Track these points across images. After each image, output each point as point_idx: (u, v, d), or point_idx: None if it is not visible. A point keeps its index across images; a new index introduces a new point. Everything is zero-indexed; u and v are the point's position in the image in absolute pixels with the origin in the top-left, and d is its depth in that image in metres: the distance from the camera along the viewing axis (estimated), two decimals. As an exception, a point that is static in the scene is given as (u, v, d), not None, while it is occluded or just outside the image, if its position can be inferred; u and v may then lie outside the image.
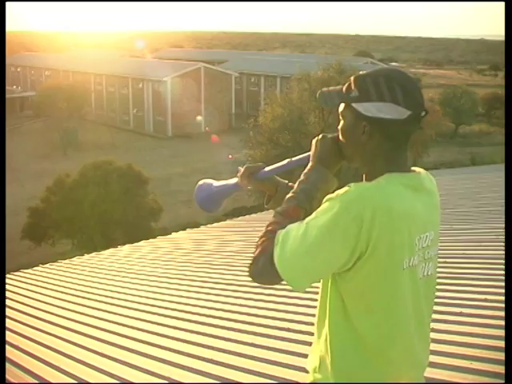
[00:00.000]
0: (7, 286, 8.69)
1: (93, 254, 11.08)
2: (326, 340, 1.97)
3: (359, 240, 1.78)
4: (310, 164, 2.07)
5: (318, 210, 1.86)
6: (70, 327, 6.06)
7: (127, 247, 11.27)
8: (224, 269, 7.71)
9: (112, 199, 22.31)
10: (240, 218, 14.08)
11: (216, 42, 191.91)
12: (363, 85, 1.92)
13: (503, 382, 2.73)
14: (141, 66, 62.14)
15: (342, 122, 2.01)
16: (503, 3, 3.98)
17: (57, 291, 7.96)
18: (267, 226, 1.95)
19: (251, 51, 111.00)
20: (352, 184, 1.84)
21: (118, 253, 10.72)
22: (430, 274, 1.99)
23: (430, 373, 3.62)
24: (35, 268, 10.24)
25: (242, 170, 2.33)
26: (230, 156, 35.35)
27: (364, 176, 2.00)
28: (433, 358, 3.80)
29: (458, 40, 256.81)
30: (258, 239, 1.94)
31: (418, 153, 36.39)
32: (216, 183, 2.43)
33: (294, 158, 2.24)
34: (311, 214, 1.90)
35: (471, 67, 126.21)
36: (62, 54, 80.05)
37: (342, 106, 1.99)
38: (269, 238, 1.90)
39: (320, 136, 2.09)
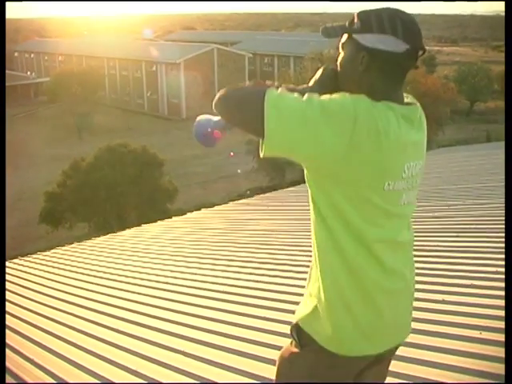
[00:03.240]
0: (24, 268, 8.83)
1: (109, 236, 11.18)
2: (314, 263, 2.06)
3: (349, 140, 1.81)
4: (310, 84, 2.12)
5: (328, 95, 1.89)
6: (87, 306, 6.15)
7: (146, 227, 11.36)
8: (246, 247, 7.75)
9: (127, 181, 22.40)
10: (255, 197, 14.08)
11: (229, 23, 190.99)
12: (366, 17, 1.96)
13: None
14: (154, 48, 62.05)
15: (341, 53, 2.05)
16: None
17: (76, 272, 8.05)
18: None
19: (264, 31, 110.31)
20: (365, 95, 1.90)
21: (140, 233, 10.81)
22: (411, 201, 2.06)
23: (441, 343, 3.68)
24: (53, 250, 10.36)
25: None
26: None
27: None
28: (443, 329, 3.87)
29: (473, 16, 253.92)
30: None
31: (432, 130, 36.20)
32: (216, 118, 2.43)
33: (298, 87, 2.18)
34: None
35: (486, 43, 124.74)
36: (75, 39, 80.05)
37: (343, 39, 2.04)
38: (266, 84, 1.93)
39: (325, 65, 2.15)
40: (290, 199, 11.37)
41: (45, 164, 37.13)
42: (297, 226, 8.28)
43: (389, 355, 2.21)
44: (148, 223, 12.07)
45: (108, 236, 11.18)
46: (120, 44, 68.22)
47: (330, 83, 2.06)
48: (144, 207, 22.94)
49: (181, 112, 55.14)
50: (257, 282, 5.82)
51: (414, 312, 2.25)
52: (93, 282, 7.27)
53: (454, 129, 40.33)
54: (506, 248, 3.88)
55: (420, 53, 1.95)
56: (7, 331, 5.52)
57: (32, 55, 77.83)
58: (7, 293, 7.30)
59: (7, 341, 5.26)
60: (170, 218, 12.54)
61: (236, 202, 13.72)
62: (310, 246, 2.10)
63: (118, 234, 11.33)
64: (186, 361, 4.23)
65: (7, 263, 9.53)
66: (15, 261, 9.76)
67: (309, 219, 2.07)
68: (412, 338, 2.74)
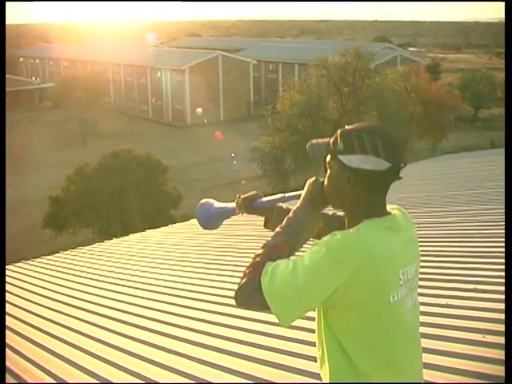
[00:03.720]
0: (28, 272, 8.84)
1: (114, 241, 11.20)
2: (326, 373, 2.13)
3: (341, 280, 1.94)
4: (299, 202, 2.25)
5: (306, 252, 2.01)
6: (92, 309, 6.16)
7: (150, 232, 11.38)
8: (251, 252, 7.74)
9: (131, 187, 22.43)
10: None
11: (234, 30, 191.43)
12: (348, 138, 2.09)
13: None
14: (159, 55, 62.24)
15: (328, 171, 2.18)
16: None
17: (79, 276, 8.07)
18: (255, 257, 2.10)
19: (269, 38, 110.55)
20: (337, 232, 2.02)
21: (144, 239, 10.82)
22: (415, 303, 2.17)
23: (444, 346, 3.68)
24: (56, 254, 10.38)
25: (239, 198, 2.54)
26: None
27: (346, 220, 2.18)
28: (447, 333, 3.87)
29: (477, 23, 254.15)
30: (245, 268, 2.08)
31: (436, 137, 36.26)
32: (216, 204, 2.64)
33: (287, 194, 2.46)
34: (297, 248, 2.14)
35: (490, 50, 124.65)
36: (80, 44, 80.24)
37: (329, 157, 2.16)
38: (257, 268, 2.05)
39: (313, 178, 2.27)
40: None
41: (49, 169, 37.20)
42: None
43: None
44: (152, 229, 12.10)
45: (112, 241, 11.20)
46: (125, 50, 68.44)
47: (319, 197, 2.22)
48: (148, 213, 22.97)
49: (185, 118, 55.25)
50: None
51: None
52: (98, 286, 7.29)
53: (458, 135, 40.37)
54: (505, 251, 3.86)
55: (402, 166, 2.08)
56: (10, 333, 5.53)
57: (37, 60, 78.12)
58: (10, 295, 7.31)
59: (9, 342, 5.28)
60: (174, 223, 12.56)
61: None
62: None
63: (124, 238, 11.36)
64: (190, 364, 4.24)
65: (10, 267, 9.54)
66: (19, 264, 9.77)
67: None
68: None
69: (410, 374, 2.13)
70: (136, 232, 12.21)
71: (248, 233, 9.13)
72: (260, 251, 2.12)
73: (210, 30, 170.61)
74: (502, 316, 3.76)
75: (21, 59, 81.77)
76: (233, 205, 2.57)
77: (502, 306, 4.00)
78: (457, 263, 5.45)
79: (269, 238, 2.14)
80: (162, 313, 5.59)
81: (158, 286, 6.68)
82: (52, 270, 8.87)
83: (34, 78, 71.45)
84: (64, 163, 33.14)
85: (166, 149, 38.85)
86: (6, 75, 63.96)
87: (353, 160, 2.06)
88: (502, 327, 3.65)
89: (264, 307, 2.01)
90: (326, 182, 2.20)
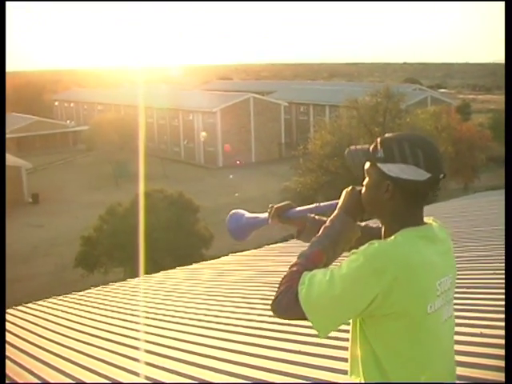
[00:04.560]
0: (59, 307, 8.87)
1: (146, 276, 11.22)
2: (361, 376, 2.10)
3: (379, 289, 1.93)
4: (336, 211, 2.24)
5: (344, 261, 2.00)
6: (124, 342, 6.15)
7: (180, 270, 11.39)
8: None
9: (163, 227, 22.52)
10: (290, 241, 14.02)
11: (265, 73, 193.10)
12: (388, 147, 2.09)
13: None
14: (191, 98, 62.96)
15: (367, 179, 2.18)
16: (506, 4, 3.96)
17: (110, 311, 8.08)
18: (291, 267, 2.10)
19: (299, 81, 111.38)
20: (375, 241, 2.01)
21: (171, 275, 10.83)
22: (451, 315, 2.15)
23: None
24: (88, 291, 10.42)
25: (272, 208, 2.54)
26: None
27: (383, 229, 2.17)
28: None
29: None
30: (282, 278, 2.08)
31: (468, 177, 36.00)
32: (248, 215, 2.63)
33: (321, 204, 2.43)
34: (334, 258, 2.15)
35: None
36: (114, 89, 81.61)
37: (367, 164, 2.15)
38: (294, 278, 2.05)
39: (350, 188, 2.26)
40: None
41: (82, 210, 37.58)
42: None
43: None
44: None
45: (143, 277, 11.21)
46: (158, 94, 69.33)
47: (356, 206, 2.21)
48: (179, 253, 22.99)
49: (217, 160, 55.59)
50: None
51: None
52: (128, 320, 7.29)
53: (489, 176, 40.01)
54: (505, 251, 3.79)
55: (441, 177, 2.08)
56: (41, 365, 5.53)
57: (71, 104, 79.57)
58: (40, 329, 7.34)
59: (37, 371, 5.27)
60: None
61: (271, 245, 13.72)
62: None
63: (171, 271, 11.42)
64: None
65: (41, 302, 9.60)
66: (50, 300, 9.82)
67: None
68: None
69: None
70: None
71: (279, 269, 9.09)
72: (296, 261, 2.11)
73: (241, 74, 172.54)
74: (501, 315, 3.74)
75: (56, 103, 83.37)
76: (265, 215, 2.55)
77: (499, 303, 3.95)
78: (488, 294, 5.39)
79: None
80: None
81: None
82: (81, 304, 8.91)
83: (68, 122, 72.71)
84: (96, 204, 33.48)
85: (197, 190, 39.04)
86: (41, 118, 65.28)
87: (393, 169, 2.06)
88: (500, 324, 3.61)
89: (301, 317, 2.00)
90: (363, 191, 2.19)
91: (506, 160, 4.45)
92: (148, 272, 12.98)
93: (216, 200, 39.56)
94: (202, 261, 15.57)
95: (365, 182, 2.18)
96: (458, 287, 2.11)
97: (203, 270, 11.06)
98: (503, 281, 5.63)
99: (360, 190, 2.21)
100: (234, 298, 7.56)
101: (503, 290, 5.31)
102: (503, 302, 4.91)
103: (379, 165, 2.08)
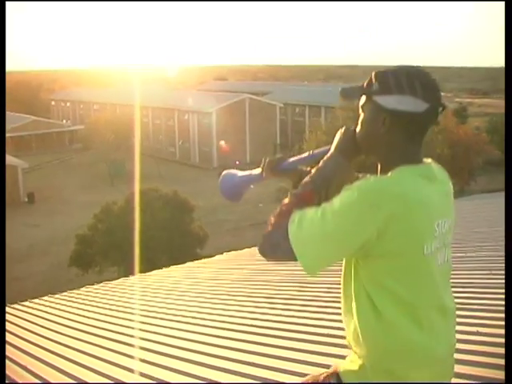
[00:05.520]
0: (53, 304, 8.86)
1: (142, 275, 11.21)
2: (354, 330, 2.03)
3: (374, 227, 1.85)
4: (329, 152, 2.14)
5: (337, 197, 1.91)
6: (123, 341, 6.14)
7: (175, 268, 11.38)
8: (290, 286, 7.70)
9: (158, 226, 22.49)
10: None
11: (260, 74, 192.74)
12: (384, 79, 2.00)
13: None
14: (186, 98, 62.92)
15: (362, 115, 2.09)
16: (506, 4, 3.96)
17: (105, 309, 8.07)
18: (281, 206, 2.02)
19: (295, 83, 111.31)
20: (369, 176, 1.96)
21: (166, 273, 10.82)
22: (447, 259, 2.06)
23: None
24: (84, 289, 10.41)
25: (265, 161, 2.41)
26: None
27: (379, 166, 2.07)
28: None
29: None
30: (271, 217, 1.99)
31: (464, 180, 36.01)
32: (240, 173, 2.51)
33: (315, 151, 2.32)
34: (326, 199, 1.97)
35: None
36: (110, 88, 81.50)
37: (362, 100, 2.07)
38: (284, 216, 1.96)
39: (344, 127, 2.18)
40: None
41: (77, 210, 37.52)
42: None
43: None
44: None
45: (138, 276, 11.20)
46: (153, 93, 69.29)
47: (354, 149, 2.11)
48: (174, 252, 22.96)
49: (212, 161, 55.55)
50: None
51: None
52: (126, 318, 7.28)
53: (486, 179, 40.14)
54: (505, 251, 3.80)
55: (440, 109, 2.00)
56: (34, 361, 5.52)
57: (68, 104, 79.45)
58: (37, 327, 7.32)
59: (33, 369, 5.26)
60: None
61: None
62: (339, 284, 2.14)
63: (167, 270, 11.41)
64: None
65: (37, 300, 9.58)
66: (45, 298, 9.80)
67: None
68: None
69: (440, 336, 2.01)
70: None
71: (279, 267, 9.09)
72: (287, 200, 2.03)
73: (236, 75, 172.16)
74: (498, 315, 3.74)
75: (52, 103, 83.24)
76: (258, 171, 2.45)
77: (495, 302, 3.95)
78: (486, 294, 5.40)
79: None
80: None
81: (187, 317, 6.64)
82: (79, 303, 8.89)
83: (64, 121, 72.62)
84: (92, 204, 33.40)
85: (192, 190, 39.00)
86: (38, 118, 65.20)
87: (389, 101, 1.97)
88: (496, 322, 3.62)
89: (290, 257, 1.92)
90: (358, 128, 2.10)
91: (506, 159, 4.45)
92: (143, 271, 12.95)
93: (211, 200, 39.50)
94: (197, 260, 15.58)
95: (360, 120, 2.09)
96: (454, 286, 2.09)
97: (200, 268, 11.07)
98: (499, 280, 5.66)
99: (354, 129, 2.13)
100: (238, 296, 7.55)
101: (499, 290, 5.34)
102: (499, 302, 4.94)
103: (375, 98, 2.00)
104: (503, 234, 8.36)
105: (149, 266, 21.67)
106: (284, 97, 65.12)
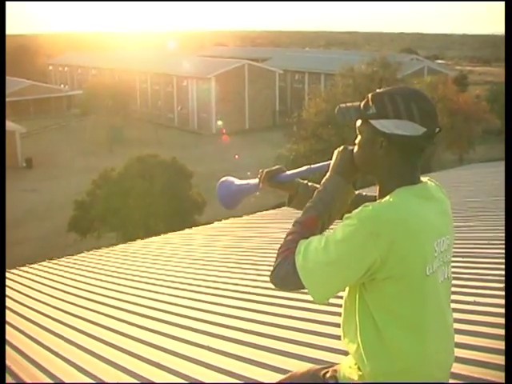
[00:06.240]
0: (52, 270, 8.88)
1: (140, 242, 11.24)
2: (358, 348, 2.06)
3: (377, 254, 1.88)
4: (328, 174, 2.16)
5: (338, 226, 1.95)
6: (116, 305, 6.16)
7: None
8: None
9: (156, 192, 22.49)
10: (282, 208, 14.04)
11: (260, 40, 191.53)
12: (380, 102, 2.00)
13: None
14: (185, 63, 62.48)
15: (359, 137, 2.10)
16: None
17: (103, 275, 8.09)
18: (287, 236, 2.06)
19: (295, 49, 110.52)
20: (368, 203, 1.95)
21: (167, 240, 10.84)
22: (448, 276, 2.10)
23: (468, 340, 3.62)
24: (80, 254, 10.44)
25: (262, 172, 2.43)
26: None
27: (378, 188, 2.09)
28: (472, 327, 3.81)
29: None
30: (279, 248, 2.04)
31: (463, 149, 35.98)
32: (237, 181, 2.54)
33: (313, 166, 2.34)
34: (330, 222, 2.08)
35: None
36: (108, 52, 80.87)
37: (359, 122, 2.08)
38: (290, 247, 2.00)
39: (341, 147, 2.19)
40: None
41: (76, 175, 37.46)
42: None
43: None
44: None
45: (137, 242, 11.23)
46: (152, 59, 68.85)
47: (352, 169, 2.13)
48: (172, 218, 22.98)
49: (210, 127, 55.36)
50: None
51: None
52: (123, 284, 7.30)
53: (485, 148, 40.06)
54: (505, 251, 3.79)
55: (437, 131, 2.02)
56: (31, 324, 5.54)
57: (66, 68, 78.88)
58: (34, 292, 7.35)
59: (30, 334, 5.28)
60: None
61: (265, 212, 13.72)
62: None
63: (168, 236, 11.44)
64: (209, 355, 4.22)
65: (36, 265, 9.61)
66: (43, 263, 9.84)
67: None
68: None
69: (440, 355, 2.06)
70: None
71: (276, 235, 9.11)
72: (292, 229, 2.06)
73: (236, 41, 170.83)
74: (494, 285, 3.74)
75: (50, 67, 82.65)
76: (255, 181, 2.46)
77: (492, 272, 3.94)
78: (484, 263, 5.40)
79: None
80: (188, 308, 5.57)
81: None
82: (76, 268, 8.92)
83: (62, 86, 72.16)
84: (90, 169, 33.35)
85: (191, 156, 38.93)
86: (35, 82, 64.79)
87: (386, 125, 1.98)
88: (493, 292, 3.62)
89: (300, 287, 1.97)
90: (356, 149, 2.12)
91: (506, 128, 4.43)
92: (141, 237, 12.97)
93: (210, 166, 39.47)
94: (195, 226, 15.62)
95: (357, 141, 2.11)
96: (452, 256, 2.11)
97: (197, 235, 11.10)
98: (497, 251, 5.66)
99: (352, 150, 2.14)
100: (228, 263, 7.59)
101: (497, 260, 5.34)
102: (497, 272, 4.94)
103: (372, 121, 2.01)
104: (503, 203, 8.36)
105: (147, 232, 21.76)
106: (283, 63, 64.65)
